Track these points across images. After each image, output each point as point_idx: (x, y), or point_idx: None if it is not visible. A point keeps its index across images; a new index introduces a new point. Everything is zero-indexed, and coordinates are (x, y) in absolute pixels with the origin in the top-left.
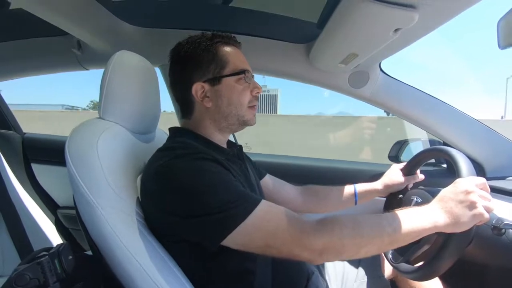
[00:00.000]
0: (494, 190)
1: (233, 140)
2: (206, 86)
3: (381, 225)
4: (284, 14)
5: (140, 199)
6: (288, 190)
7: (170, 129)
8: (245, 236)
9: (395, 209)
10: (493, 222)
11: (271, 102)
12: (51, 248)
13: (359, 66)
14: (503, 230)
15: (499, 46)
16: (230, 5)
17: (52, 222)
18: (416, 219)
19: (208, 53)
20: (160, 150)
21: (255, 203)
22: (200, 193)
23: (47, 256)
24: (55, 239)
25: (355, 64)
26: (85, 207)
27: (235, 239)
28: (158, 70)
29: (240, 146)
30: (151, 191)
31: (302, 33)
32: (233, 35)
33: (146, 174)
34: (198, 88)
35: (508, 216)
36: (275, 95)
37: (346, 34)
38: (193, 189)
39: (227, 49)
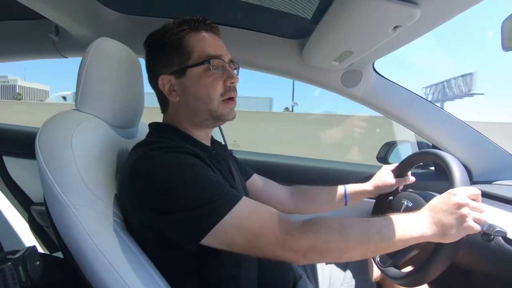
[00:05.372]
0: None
1: (221, 137)
2: (173, 79)
3: (369, 232)
4: (276, 7)
5: (118, 197)
6: (276, 190)
7: (150, 125)
8: (226, 235)
9: (384, 215)
10: (484, 228)
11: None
12: (18, 251)
13: (352, 65)
14: (493, 237)
15: (502, 47)
16: None
17: (25, 219)
18: (404, 228)
19: (173, 42)
20: (137, 146)
21: (235, 200)
22: (176, 188)
23: (9, 263)
24: (28, 237)
25: (349, 62)
26: (56, 207)
27: (217, 238)
28: (143, 61)
29: (224, 146)
30: (127, 187)
31: (295, 28)
32: (211, 20)
33: (123, 170)
34: (165, 82)
35: (496, 221)
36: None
37: (342, 31)
38: (169, 183)
39: (194, 36)
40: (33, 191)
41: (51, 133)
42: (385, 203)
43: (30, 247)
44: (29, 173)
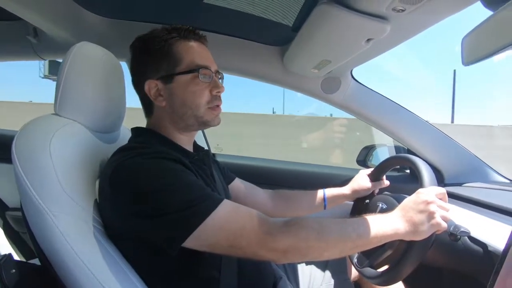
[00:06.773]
0: (452, 196)
1: (204, 142)
2: (160, 84)
3: (346, 230)
4: (259, 15)
5: (98, 203)
6: (258, 194)
7: (132, 129)
8: (208, 236)
9: (361, 215)
10: (451, 229)
11: None
12: None
13: (331, 72)
14: (459, 237)
15: (462, 62)
16: (204, 1)
17: (0, 226)
18: (379, 226)
19: (162, 48)
20: (119, 151)
21: (217, 202)
22: (158, 192)
23: None
24: (3, 244)
25: (328, 70)
26: (33, 213)
27: (199, 240)
28: (125, 65)
29: (207, 151)
30: (108, 193)
31: (277, 36)
32: (200, 31)
33: (103, 175)
34: (151, 86)
35: (464, 221)
36: None
37: (319, 41)
38: (150, 188)
39: (184, 44)
40: (8, 196)
41: (29, 138)
42: (361, 205)
43: (5, 254)
44: (4, 178)
